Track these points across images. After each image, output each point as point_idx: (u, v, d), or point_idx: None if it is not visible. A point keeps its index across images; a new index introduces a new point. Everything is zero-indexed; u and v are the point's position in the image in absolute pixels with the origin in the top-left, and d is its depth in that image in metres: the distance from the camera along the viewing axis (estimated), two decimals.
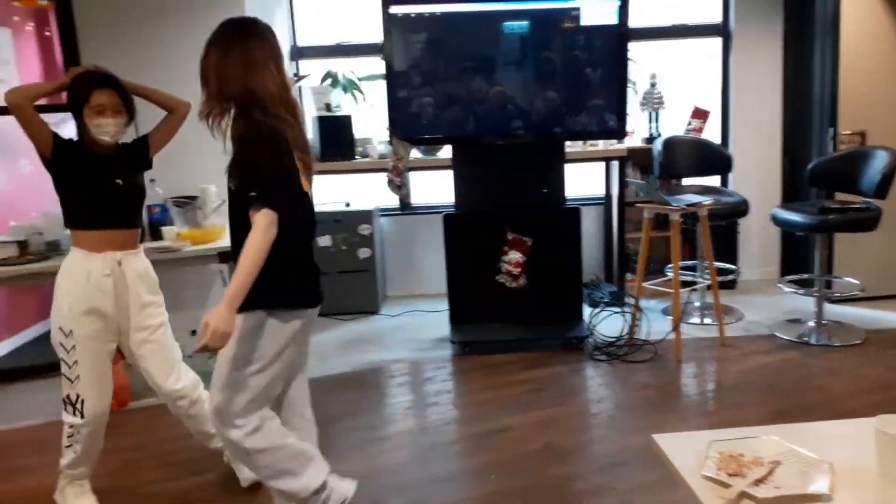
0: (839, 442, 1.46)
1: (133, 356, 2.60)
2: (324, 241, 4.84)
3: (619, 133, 4.15)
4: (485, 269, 4.15)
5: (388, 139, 4.23)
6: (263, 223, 1.84)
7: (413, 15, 3.90)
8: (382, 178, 4.18)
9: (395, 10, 3.88)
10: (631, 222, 4.93)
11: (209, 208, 3.85)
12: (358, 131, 4.94)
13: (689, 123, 5.07)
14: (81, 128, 2.47)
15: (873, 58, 4.51)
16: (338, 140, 4.75)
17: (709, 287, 4.33)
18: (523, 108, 3.97)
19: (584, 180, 5.24)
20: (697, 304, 4.59)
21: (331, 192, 5.26)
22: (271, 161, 1.89)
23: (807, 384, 3.47)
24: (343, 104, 5.06)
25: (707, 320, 4.44)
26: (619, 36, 3.92)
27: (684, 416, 3.22)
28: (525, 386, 3.58)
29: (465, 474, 2.80)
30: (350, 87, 5.10)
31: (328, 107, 4.84)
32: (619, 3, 3.86)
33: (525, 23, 3.88)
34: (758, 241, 5.28)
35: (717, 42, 5.23)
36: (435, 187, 5.11)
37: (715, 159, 4.80)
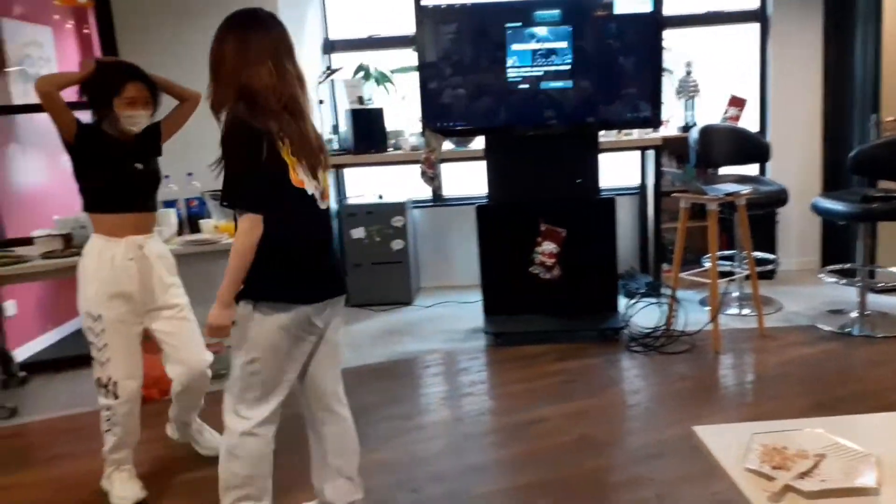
0: (884, 435, 1.43)
1: (162, 335, 2.68)
2: (357, 232, 4.87)
3: (654, 122, 4.10)
4: (518, 260, 4.13)
5: (421, 131, 4.24)
6: (243, 227, 1.91)
7: (444, 6, 3.90)
8: (415, 169, 4.19)
9: (427, 1, 3.88)
10: (667, 212, 4.87)
11: None
12: (390, 123, 4.95)
13: (726, 111, 4.98)
14: (102, 116, 2.56)
15: None
16: (370, 133, 4.76)
17: (747, 277, 4.26)
18: (556, 98, 3.95)
19: (618, 170, 5.18)
20: (735, 294, 4.52)
21: (364, 184, 5.29)
22: (235, 159, 1.90)
23: (849, 376, 3.40)
24: (375, 97, 5.07)
25: (745, 311, 4.37)
26: (653, 24, 3.87)
27: (722, 407, 3.18)
28: (559, 377, 3.57)
29: (501, 464, 2.81)
30: (382, 79, 5.12)
31: (360, 100, 4.86)
32: None
33: (557, 12, 3.84)
34: (797, 230, 5.18)
35: (754, 28, 5.12)
36: (467, 178, 5.11)
37: (752, 148, 4.71)
